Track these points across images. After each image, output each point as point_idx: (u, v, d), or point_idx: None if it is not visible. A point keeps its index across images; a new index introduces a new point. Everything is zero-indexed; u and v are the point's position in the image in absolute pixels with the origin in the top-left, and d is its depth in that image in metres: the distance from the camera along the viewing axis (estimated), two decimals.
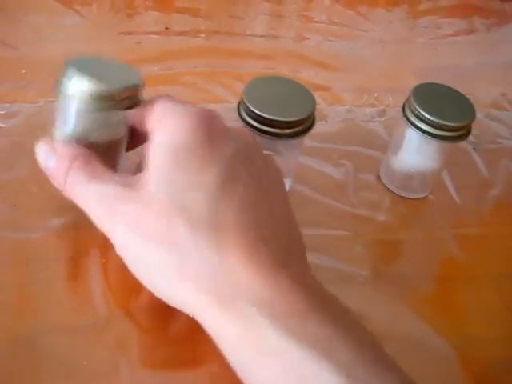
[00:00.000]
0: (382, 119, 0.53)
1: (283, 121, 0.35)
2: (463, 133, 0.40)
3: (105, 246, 0.37)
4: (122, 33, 0.58)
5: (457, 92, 0.42)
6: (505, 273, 0.43)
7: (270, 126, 0.35)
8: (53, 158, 0.31)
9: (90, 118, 0.31)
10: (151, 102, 0.31)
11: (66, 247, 0.38)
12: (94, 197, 0.29)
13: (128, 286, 0.36)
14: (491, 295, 0.41)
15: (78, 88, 0.30)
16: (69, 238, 0.38)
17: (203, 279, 0.27)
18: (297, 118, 0.35)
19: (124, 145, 0.33)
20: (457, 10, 0.75)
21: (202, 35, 0.61)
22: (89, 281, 0.36)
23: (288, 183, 0.43)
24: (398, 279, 0.40)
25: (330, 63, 0.60)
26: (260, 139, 0.37)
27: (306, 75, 0.58)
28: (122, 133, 0.32)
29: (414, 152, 0.42)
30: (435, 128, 0.39)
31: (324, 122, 0.51)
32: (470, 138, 0.53)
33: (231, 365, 0.27)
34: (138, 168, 0.30)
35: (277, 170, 0.32)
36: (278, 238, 0.28)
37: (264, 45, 0.62)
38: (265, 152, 0.32)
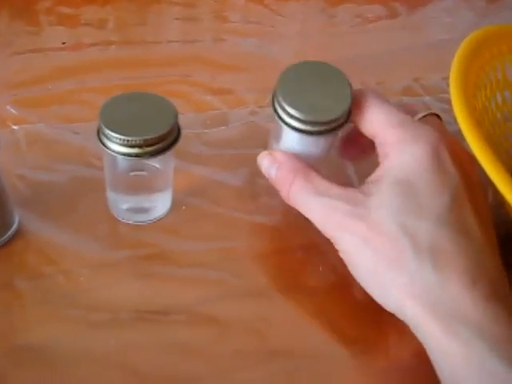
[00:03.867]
0: None
1: (141, 139, 0.33)
2: (340, 122, 0.36)
3: None
4: (20, 52, 0.55)
5: (326, 67, 0.37)
6: None
7: (130, 147, 0.33)
8: (274, 168, 0.36)
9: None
10: (375, 108, 0.36)
11: None
12: (321, 209, 0.34)
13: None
14: None
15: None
16: None
17: (426, 299, 0.30)
18: (156, 135, 0.33)
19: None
20: None
21: (113, 47, 0.59)
22: None
23: (169, 196, 0.41)
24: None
25: (240, 65, 0.58)
26: (126, 161, 0.35)
27: (218, 80, 0.56)
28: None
29: (295, 146, 0.38)
30: (307, 124, 0.35)
31: (225, 127, 0.49)
32: None
33: (439, 373, 0.31)
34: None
35: (487, 202, 0.36)
36: (490, 266, 0.32)
37: (178, 51, 0.60)
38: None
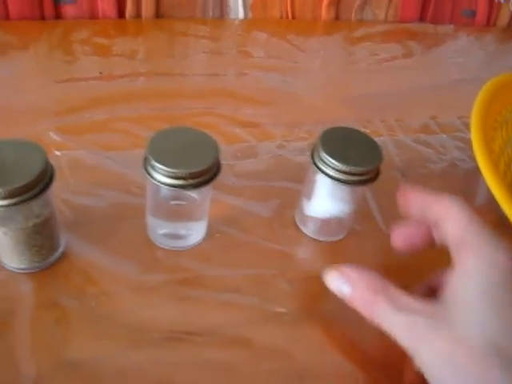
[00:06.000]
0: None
1: (187, 172, 0.36)
2: (371, 176, 0.41)
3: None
4: (58, 81, 0.58)
5: (364, 135, 0.42)
6: None
7: (175, 179, 0.36)
8: (347, 286, 0.35)
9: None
10: (448, 210, 0.34)
11: None
12: (402, 324, 0.32)
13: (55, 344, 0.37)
14: None
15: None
16: None
17: None
18: (199, 169, 0.36)
19: None
20: (392, 35, 0.77)
21: (142, 78, 0.62)
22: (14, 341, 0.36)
23: (204, 224, 0.44)
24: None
25: (264, 99, 0.61)
26: (169, 191, 0.38)
27: (244, 113, 0.59)
28: None
29: (327, 197, 0.43)
30: (342, 173, 0.39)
31: (254, 160, 0.52)
32: (399, 164, 0.54)
33: None
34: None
35: None
36: None
37: (203, 84, 0.64)
38: None
